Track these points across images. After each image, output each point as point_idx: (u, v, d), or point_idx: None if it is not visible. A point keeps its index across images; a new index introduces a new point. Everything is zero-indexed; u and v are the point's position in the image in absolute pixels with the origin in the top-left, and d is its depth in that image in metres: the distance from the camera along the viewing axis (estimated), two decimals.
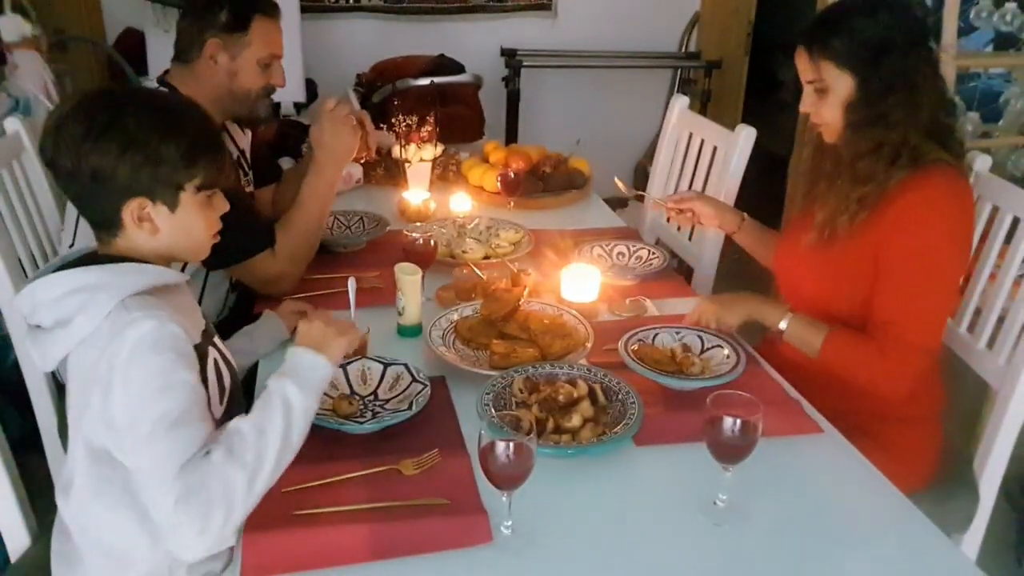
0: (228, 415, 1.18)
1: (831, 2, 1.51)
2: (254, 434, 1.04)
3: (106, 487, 1.11)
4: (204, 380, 1.12)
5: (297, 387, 1.09)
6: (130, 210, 1.11)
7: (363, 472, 1.21)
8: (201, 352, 1.13)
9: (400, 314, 1.62)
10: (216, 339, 1.25)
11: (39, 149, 1.14)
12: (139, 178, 1.09)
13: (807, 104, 1.53)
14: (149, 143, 1.08)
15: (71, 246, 1.69)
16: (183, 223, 1.15)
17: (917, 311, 1.44)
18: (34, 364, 1.17)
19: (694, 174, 2.32)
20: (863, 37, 1.43)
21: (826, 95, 1.49)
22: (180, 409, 1.03)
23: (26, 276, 1.67)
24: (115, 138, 1.07)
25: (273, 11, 1.78)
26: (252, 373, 1.48)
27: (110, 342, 1.04)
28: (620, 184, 2.00)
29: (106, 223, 1.14)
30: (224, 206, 1.22)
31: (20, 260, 1.76)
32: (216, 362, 1.19)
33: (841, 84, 1.46)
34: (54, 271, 1.12)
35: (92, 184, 1.09)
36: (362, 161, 2.06)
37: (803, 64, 1.50)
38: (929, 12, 1.43)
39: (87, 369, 1.06)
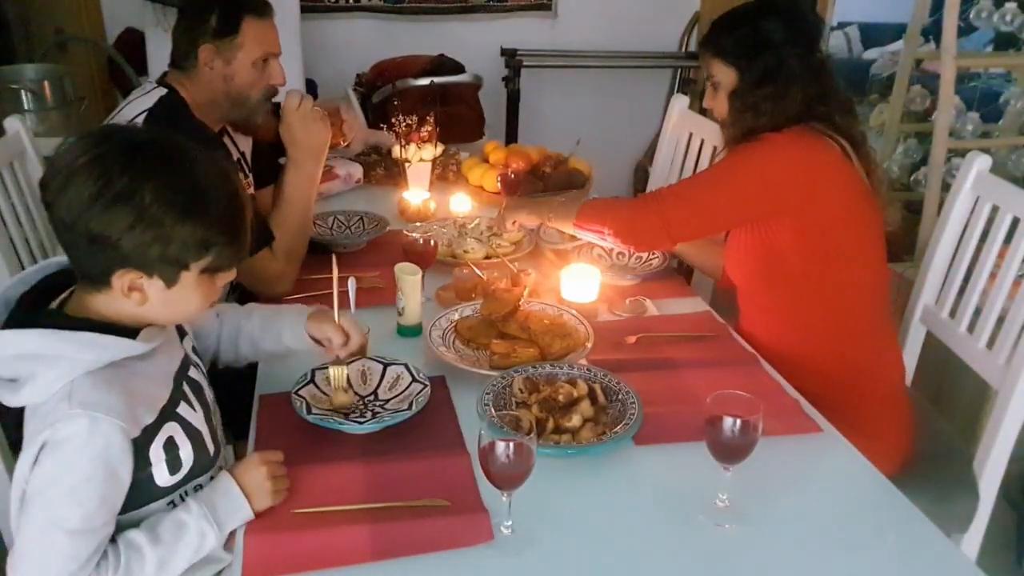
0: (191, 477, 1.14)
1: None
2: (154, 566, 1.04)
3: None
4: (146, 462, 1.08)
5: (217, 532, 1.09)
6: (122, 279, 1.03)
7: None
8: (146, 438, 1.07)
9: (400, 314, 1.62)
10: (182, 407, 1.14)
11: (40, 183, 1.04)
12: (142, 254, 1.01)
13: (706, 99, 1.70)
14: (163, 222, 1.00)
15: None
16: (177, 298, 1.07)
17: (679, 188, 1.73)
18: None
19: (695, 174, 2.32)
20: (744, 36, 1.60)
21: (718, 90, 1.65)
22: (81, 519, 1.00)
23: None
24: (127, 210, 0.98)
25: (263, 10, 1.77)
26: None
27: (47, 426, 1.00)
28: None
29: (92, 280, 1.06)
30: (230, 276, 1.12)
31: (21, 261, 1.76)
32: (172, 439, 1.11)
33: (727, 78, 1.63)
34: (20, 296, 1.08)
35: (88, 244, 1.01)
36: (344, 145, 2.07)
37: (703, 64, 1.68)
38: (819, 21, 1.64)
39: (29, 431, 1.04)
